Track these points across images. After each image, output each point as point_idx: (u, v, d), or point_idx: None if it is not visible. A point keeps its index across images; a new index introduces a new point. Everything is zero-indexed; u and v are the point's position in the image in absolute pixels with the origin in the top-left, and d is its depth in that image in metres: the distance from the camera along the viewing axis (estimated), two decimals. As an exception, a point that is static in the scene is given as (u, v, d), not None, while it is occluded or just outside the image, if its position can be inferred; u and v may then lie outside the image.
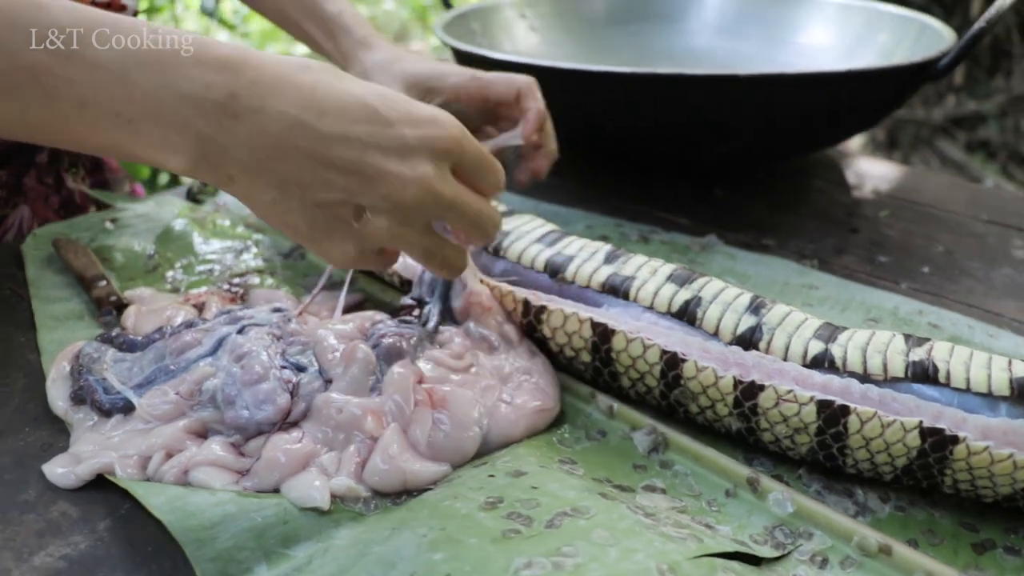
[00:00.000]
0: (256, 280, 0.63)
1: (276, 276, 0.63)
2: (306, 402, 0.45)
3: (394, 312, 0.55)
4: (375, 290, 0.61)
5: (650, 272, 0.50)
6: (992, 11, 0.65)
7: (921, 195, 0.79)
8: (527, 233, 0.56)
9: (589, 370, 0.49)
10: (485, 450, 0.44)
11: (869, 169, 0.87)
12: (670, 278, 0.50)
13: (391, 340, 0.46)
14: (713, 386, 0.44)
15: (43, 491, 0.43)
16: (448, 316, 0.53)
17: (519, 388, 0.47)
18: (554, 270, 0.52)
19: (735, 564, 0.36)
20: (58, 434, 0.47)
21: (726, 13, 1.01)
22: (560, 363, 0.51)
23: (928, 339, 0.44)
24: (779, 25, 0.96)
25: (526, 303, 0.50)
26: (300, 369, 0.46)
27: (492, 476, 0.40)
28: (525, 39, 1.03)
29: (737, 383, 0.44)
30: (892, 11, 0.86)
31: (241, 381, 0.44)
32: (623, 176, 0.75)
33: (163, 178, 1.59)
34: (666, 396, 0.47)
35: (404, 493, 0.42)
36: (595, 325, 0.48)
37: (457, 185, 0.40)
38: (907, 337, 0.44)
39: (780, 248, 0.69)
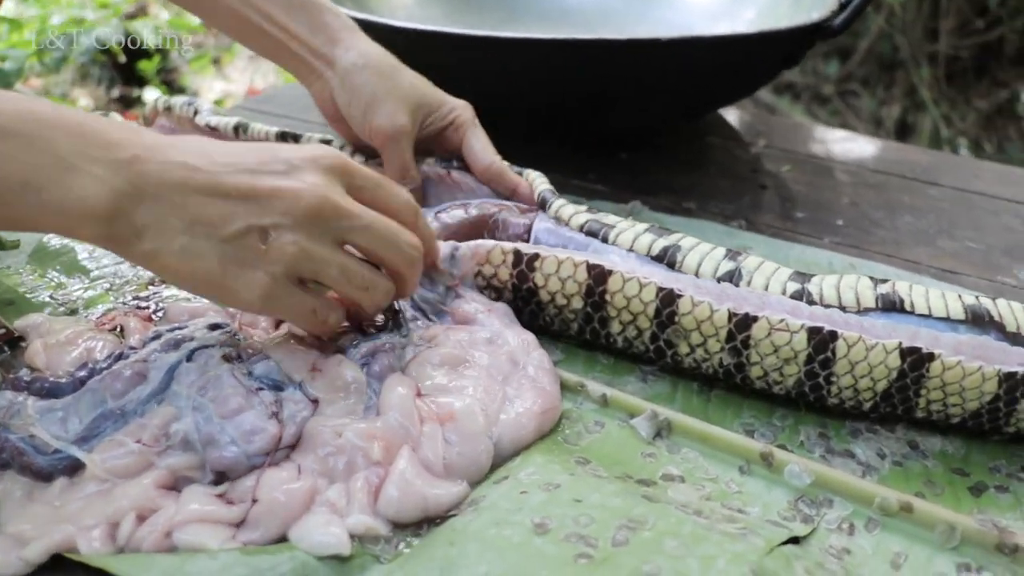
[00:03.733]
0: (165, 291, 0.55)
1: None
2: (294, 423, 0.40)
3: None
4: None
5: (629, 224, 0.51)
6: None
7: (812, 147, 0.83)
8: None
9: (579, 318, 0.49)
10: (498, 460, 0.41)
11: (756, 123, 0.90)
12: (648, 230, 0.51)
13: (385, 361, 0.42)
14: (707, 320, 0.45)
15: (-17, 584, 0.35)
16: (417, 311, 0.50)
17: (520, 388, 0.44)
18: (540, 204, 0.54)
19: (796, 549, 0.36)
20: (-22, 510, 0.39)
21: (598, -30, 0.99)
22: (546, 319, 0.50)
23: (887, 279, 0.47)
24: (653, -18, 0.96)
25: (516, 253, 0.49)
26: (278, 388, 0.41)
27: (524, 493, 0.38)
28: (397, 1, 0.97)
29: (732, 315, 0.45)
30: (769, -32, 0.88)
31: (219, 415, 0.39)
32: (531, 146, 0.72)
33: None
34: (656, 338, 0.47)
35: (425, 522, 0.38)
36: (591, 267, 0.48)
37: (357, 204, 0.41)
38: (871, 277, 0.47)
39: (702, 211, 0.70)
